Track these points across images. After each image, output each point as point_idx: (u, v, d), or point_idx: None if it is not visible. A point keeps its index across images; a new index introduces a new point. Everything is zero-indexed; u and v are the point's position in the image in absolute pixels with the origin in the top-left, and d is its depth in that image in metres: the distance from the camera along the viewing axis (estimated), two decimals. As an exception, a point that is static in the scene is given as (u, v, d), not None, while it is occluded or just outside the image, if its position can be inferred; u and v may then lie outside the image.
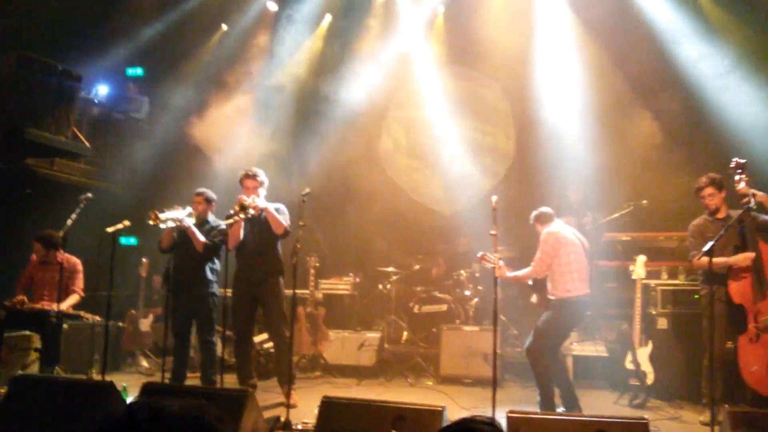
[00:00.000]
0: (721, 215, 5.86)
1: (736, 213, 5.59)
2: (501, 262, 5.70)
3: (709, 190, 5.85)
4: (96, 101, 9.27)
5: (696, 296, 6.71)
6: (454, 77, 10.13)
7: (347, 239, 10.32)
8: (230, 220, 5.91)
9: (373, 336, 7.70)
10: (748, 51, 8.16)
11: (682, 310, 6.74)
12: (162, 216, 5.87)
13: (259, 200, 6.05)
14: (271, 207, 6.13)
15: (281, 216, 6.09)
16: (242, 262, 6.25)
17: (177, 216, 6.01)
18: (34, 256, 6.92)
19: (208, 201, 6.47)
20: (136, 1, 9.63)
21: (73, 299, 6.83)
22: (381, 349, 7.79)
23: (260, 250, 6.18)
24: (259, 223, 6.17)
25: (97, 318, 6.76)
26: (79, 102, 8.49)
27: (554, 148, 8.92)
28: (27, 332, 6.77)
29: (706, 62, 8.34)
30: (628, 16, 8.91)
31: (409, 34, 10.08)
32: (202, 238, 6.22)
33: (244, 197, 5.94)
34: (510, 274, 5.90)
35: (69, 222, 6.16)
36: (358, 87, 9.83)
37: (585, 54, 9.13)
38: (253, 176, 6.15)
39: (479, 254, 5.95)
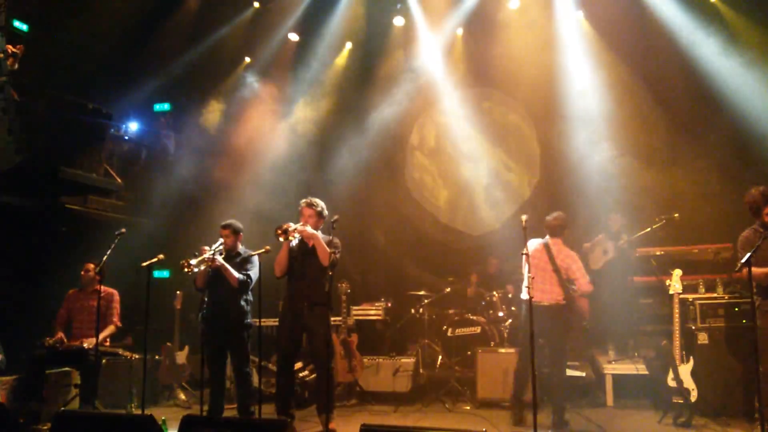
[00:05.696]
0: None
1: None
2: None
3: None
4: (126, 137, 9.44)
5: (736, 309, 6.60)
6: (477, 98, 10.19)
7: (377, 264, 10.31)
8: (261, 250, 5.93)
9: (408, 361, 7.62)
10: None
11: (723, 323, 6.59)
12: (194, 262, 5.96)
13: (309, 228, 6.08)
14: (322, 238, 6.13)
15: (331, 248, 6.01)
16: (291, 290, 6.28)
17: (207, 257, 6.09)
18: (70, 291, 7.14)
19: (235, 232, 6.51)
20: (163, 39, 9.82)
21: (109, 330, 7.01)
22: (416, 375, 7.70)
23: (309, 280, 6.18)
24: (308, 253, 6.18)
25: (136, 356, 6.87)
26: (109, 139, 8.66)
27: (582, 165, 8.89)
28: (66, 368, 6.88)
29: (737, 74, 8.27)
30: (644, 24, 8.88)
31: (430, 58, 10.14)
32: (236, 273, 6.28)
33: (291, 223, 5.99)
34: None
35: (104, 258, 6.24)
36: (382, 114, 9.91)
37: (606, 67, 9.13)
38: (311, 205, 6.26)
39: None
